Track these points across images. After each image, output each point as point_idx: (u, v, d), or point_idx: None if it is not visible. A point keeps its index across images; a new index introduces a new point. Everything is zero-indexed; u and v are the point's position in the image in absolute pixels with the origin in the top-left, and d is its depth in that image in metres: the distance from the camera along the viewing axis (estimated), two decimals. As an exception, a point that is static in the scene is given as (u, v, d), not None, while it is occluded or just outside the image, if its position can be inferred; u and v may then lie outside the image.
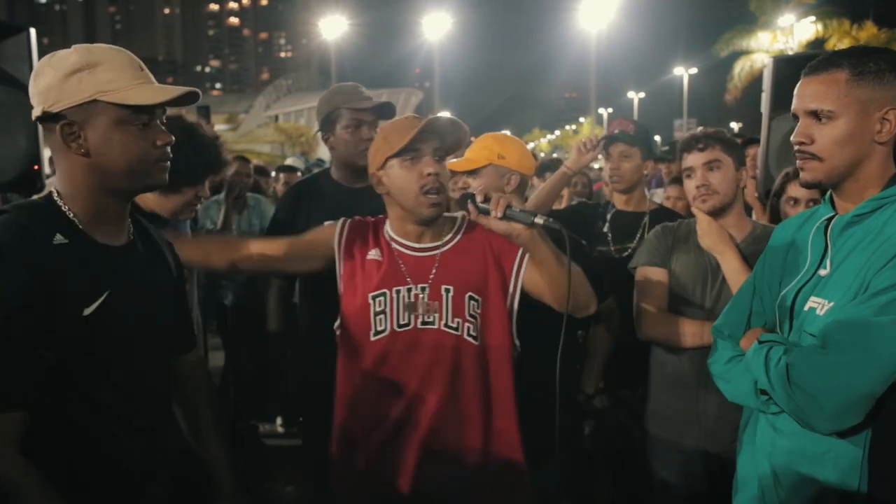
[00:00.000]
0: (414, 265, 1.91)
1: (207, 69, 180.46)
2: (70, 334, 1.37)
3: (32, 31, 2.65)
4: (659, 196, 4.51)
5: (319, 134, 2.75)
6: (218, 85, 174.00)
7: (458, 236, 1.96)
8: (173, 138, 1.47)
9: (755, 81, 19.77)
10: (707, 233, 2.16)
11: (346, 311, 1.94)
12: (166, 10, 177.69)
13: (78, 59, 1.39)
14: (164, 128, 1.47)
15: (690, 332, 2.17)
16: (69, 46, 1.45)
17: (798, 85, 1.55)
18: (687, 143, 2.26)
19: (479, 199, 1.77)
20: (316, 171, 4.60)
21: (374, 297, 1.89)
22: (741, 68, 22.36)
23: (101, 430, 1.45)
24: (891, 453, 1.40)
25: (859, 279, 1.42)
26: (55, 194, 1.45)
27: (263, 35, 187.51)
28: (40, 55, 2.72)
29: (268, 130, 49.84)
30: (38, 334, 1.33)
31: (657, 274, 2.27)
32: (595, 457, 2.88)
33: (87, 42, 1.51)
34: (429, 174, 1.84)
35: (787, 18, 22.04)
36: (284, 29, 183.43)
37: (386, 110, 2.66)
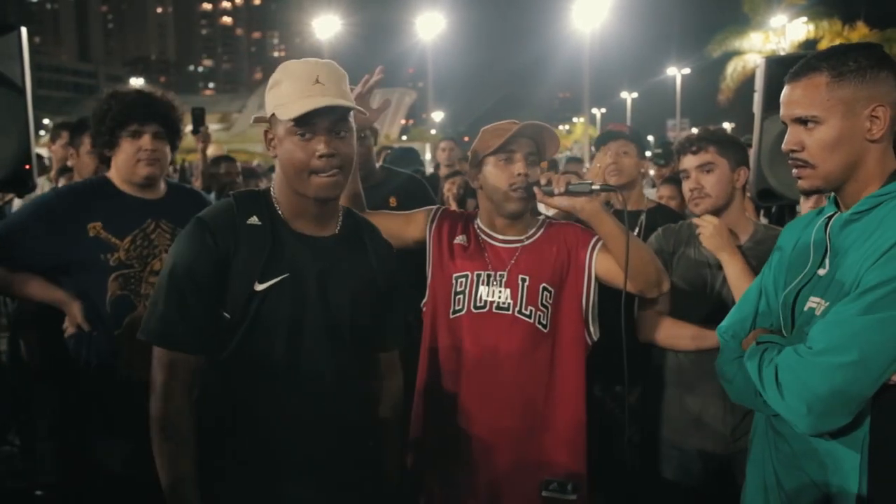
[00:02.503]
0: (496, 254, 2.09)
1: (200, 69, 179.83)
2: (241, 303, 1.54)
3: (23, 29, 2.64)
4: (651, 196, 4.52)
5: None
6: (211, 84, 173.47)
7: (540, 233, 2.12)
8: (331, 151, 1.55)
9: (748, 82, 19.80)
10: (713, 234, 2.14)
11: (432, 290, 2.12)
12: (159, 10, 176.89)
13: (275, 76, 1.62)
14: (326, 140, 1.56)
15: (690, 335, 2.16)
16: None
17: (783, 92, 1.53)
18: (682, 144, 2.26)
19: (542, 181, 1.99)
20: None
21: (456, 278, 2.08)
22: (734, 69, 22.46)
23: (255, 405, 1.58)
24: (889, 455, 1.39)
25: (853, 277, 1.40)
26: (272, 188, 1.68)
27: (256, 34, 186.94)
28: (31, 54, 2.71)
29: (261, 130, 49.56)
30: (212, 293, 1.54)
31: None
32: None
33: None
34: (518, 174, 2.00)
35: (779, 19, 22.14)
36: (277, 28, 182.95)
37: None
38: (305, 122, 1.53)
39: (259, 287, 1.55)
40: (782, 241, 1.70)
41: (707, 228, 2.16)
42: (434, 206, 2.23)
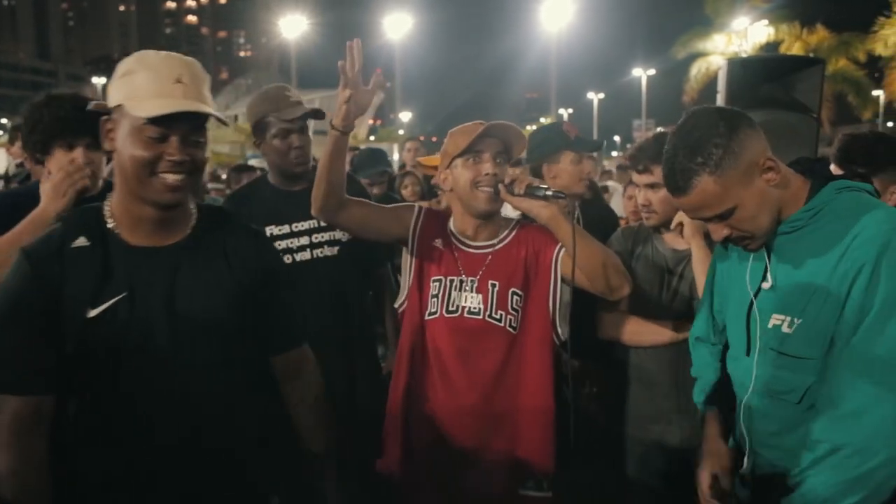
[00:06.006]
0: (468, 260, 2.12)
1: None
2: (77, 333, 1.40)
3: (-20, 27, 2.57)
4: (618, 197, 4.57)
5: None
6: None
7: (510, 236, 2.14)
8: (185, 157, 1.43)
9: (711, 83, 20.10)
10: (688, 223, 2.18)
11: (410, 291, 2.15)
12: (121, 8, 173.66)
13: (129, 65, 1.48)
14: (180, 146, 1.43)
15: (650, 331, 2.22)
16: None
17: (678, 203, 1.58)
18: (632, 159, 2.29)
19: (507, 181, 2.03)
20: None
21: (432, 282, 2.11)
22: (698, 70, 22.73)
23: (106, 433, 1.46)
24: None
25: (823, 291, 1.46)
26: (108, 196, 1.52)
27: (222, 34, 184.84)
28: (-12, 52, 2.64)
29: (227, 131, 48.79)
30: (41, 329, 1.40)
31: None
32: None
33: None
34: (486, 174, 2.03)
35: (741, 21, 22.50)
36: (243, 28, 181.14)
37: (315, 117, 2.57)
38: (160, 123, 1.40)
39: (92, 313, 1.41)
40: (717, 255, 1.79)
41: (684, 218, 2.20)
42: (419, 207, 2.22)
